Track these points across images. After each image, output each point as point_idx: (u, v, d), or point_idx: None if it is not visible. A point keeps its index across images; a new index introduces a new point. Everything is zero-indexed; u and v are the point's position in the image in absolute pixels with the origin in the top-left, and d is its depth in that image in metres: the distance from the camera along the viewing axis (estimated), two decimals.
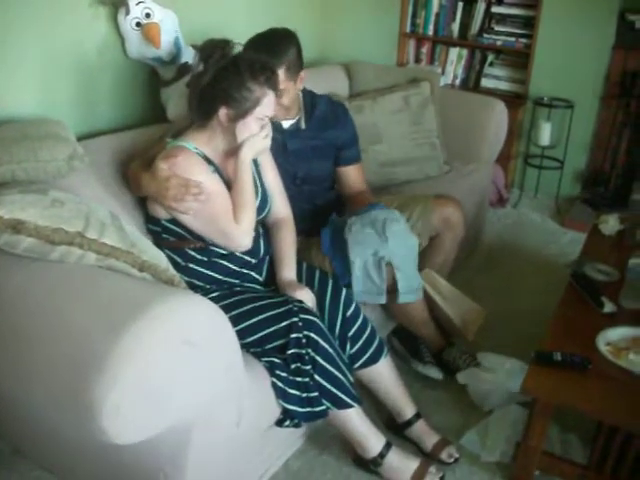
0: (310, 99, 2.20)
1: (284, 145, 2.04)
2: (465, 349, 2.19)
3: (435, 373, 2.17)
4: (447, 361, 2.18)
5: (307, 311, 1.69)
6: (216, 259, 1.79)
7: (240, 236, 1.74)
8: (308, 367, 1.63)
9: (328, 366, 1.66)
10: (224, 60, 1.68)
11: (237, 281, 1.84)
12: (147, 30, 2.03)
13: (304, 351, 1.63)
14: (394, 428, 1.95)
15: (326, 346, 1.67)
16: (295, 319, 1.64)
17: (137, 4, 2.03)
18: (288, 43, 1.98)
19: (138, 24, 2.05)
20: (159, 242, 1.81)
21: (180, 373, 1.25)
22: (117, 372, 1.14)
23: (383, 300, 1.93)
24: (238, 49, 1.77)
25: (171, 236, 1.78)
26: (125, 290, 1.32)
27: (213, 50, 1.69)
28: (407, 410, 1.92)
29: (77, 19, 2.01)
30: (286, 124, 2.11)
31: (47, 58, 1.96)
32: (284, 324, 1.64)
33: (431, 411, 2.06)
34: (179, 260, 1.78)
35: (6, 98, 1.89)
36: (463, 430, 1.97)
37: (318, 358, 1.64)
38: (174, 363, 1.23)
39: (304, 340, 1.63)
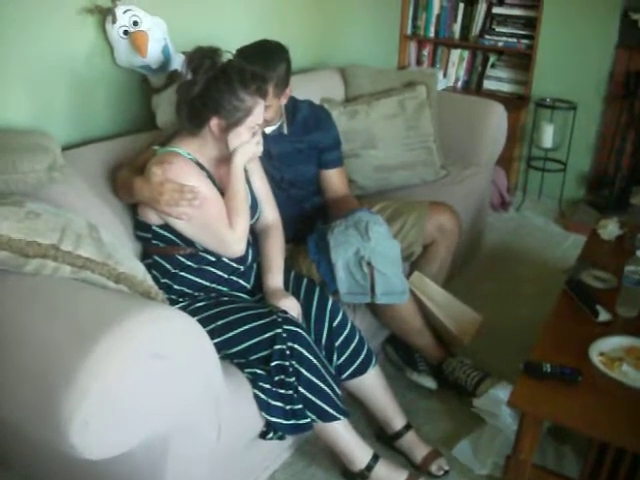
0: (292, 105, 2.18)
1: (267, 150, 2.02)
2: (466, 360, 2.12)
3: (429, 382, 2.14)
4: (447, 373, 2.11)
5: (292, 322, 1.66)
6: (205, 266, 1.78)
7: (234, 242, 1.73)
8: (292, 379, 1.60)
9: (313, 378, 1.64)
10: (214, 70, 1.66)
11: (225, 289, 1.82)
12: (134, 39, 2.01)
13: (288, 363, 1.60)
14: (384, 439, 1.92)
15: (311, 358, 1.64)
16: (279, 330, 1.62)
17: (124, 12, 2.01)
18: (279, 58, 1.96)
19: (126, 32, 2.03)
20: (148, 249, 1.80)
21: (151, 388, 1.23)
22: (85, 388, 1.13)
23: (368, 299, 1.89)
24: (227, 57, 1.75)
25: (161, 242, 1.76)
26: (97, 304, 1.30)
27: (202, 60, 1.67)
28: (397, 421, 1.88)
29: (65, 27, 1.99)
30: (268, 130, 2.09)
31: (35, 67, 1.94)
32: (268, 335, 1.62)
33: (423, 421, 2.03)
34: (169, 267, 1.77)
35: None
36: (455, 441, 1.94)
37: (302, 370, 1.62)
38: (145, 378, 1.21)
39: (288, 352, 1.61)
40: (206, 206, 1.66)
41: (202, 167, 1.74)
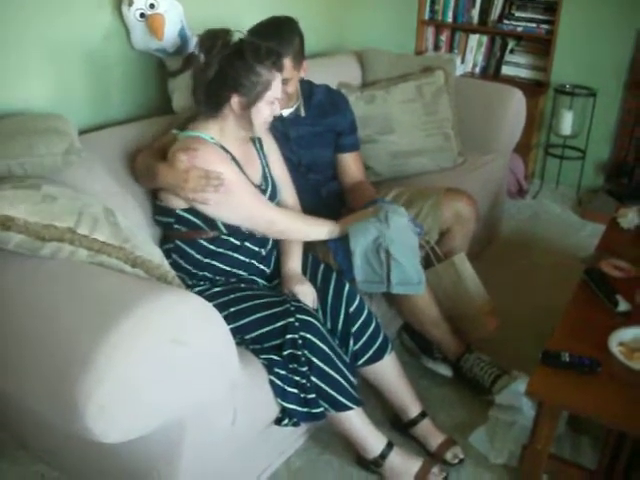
0: (308, 88, 2.17)
1: (285, 133, 2.00)
2: (483, 357, 2.07)
3: (444, 370, 2.12)
4: (465, 369, 2.07)
5: (305, 311, 1.65)
6: (227, 251, 1.78)
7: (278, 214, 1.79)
8: (304, 369, 1.60)
9: (325, 367, 1.62)
10: (227, 49, 1.65)
11: (244, 273, 1.82)
12: (151, 22, 1.99)
13: (300, 352, 1.59)
14: (399, 426, 1.91)
15: (323, 347, 1.63)
16: (291, 319, 1.61)
17: None
18: (292, 32, 1.95)
19: (142, 15, 2.01)
20: (170, 234, 1.80)
21: (168, 372, 1.22)
22: (102, 372, 1.12)
23: (384, 289, 1.87)
24: (238, 37, 1.73)
25: (184, 226, 1.76)
26: (113, 288, 1.29)
27: (214, 41, 1.66)
28: (412, 408, 1.87)
29: (82, 10, 1.98)
30: (286, 112, 2.08)
31: (53, 49, 1.93)
32: (280, 324, 1.61)
33: (438, 409, 2.02)
34: (191, 251, 1.77)
35: (12, 91, 1.87)
36: (470, 429, 1.93)
37: (315, 359, 1.61)
38: (161, 363, 1.20)
39: (300, 341, 1.60)
40: (236, 190, 1.68)
41: (226, 150, 1.73)
